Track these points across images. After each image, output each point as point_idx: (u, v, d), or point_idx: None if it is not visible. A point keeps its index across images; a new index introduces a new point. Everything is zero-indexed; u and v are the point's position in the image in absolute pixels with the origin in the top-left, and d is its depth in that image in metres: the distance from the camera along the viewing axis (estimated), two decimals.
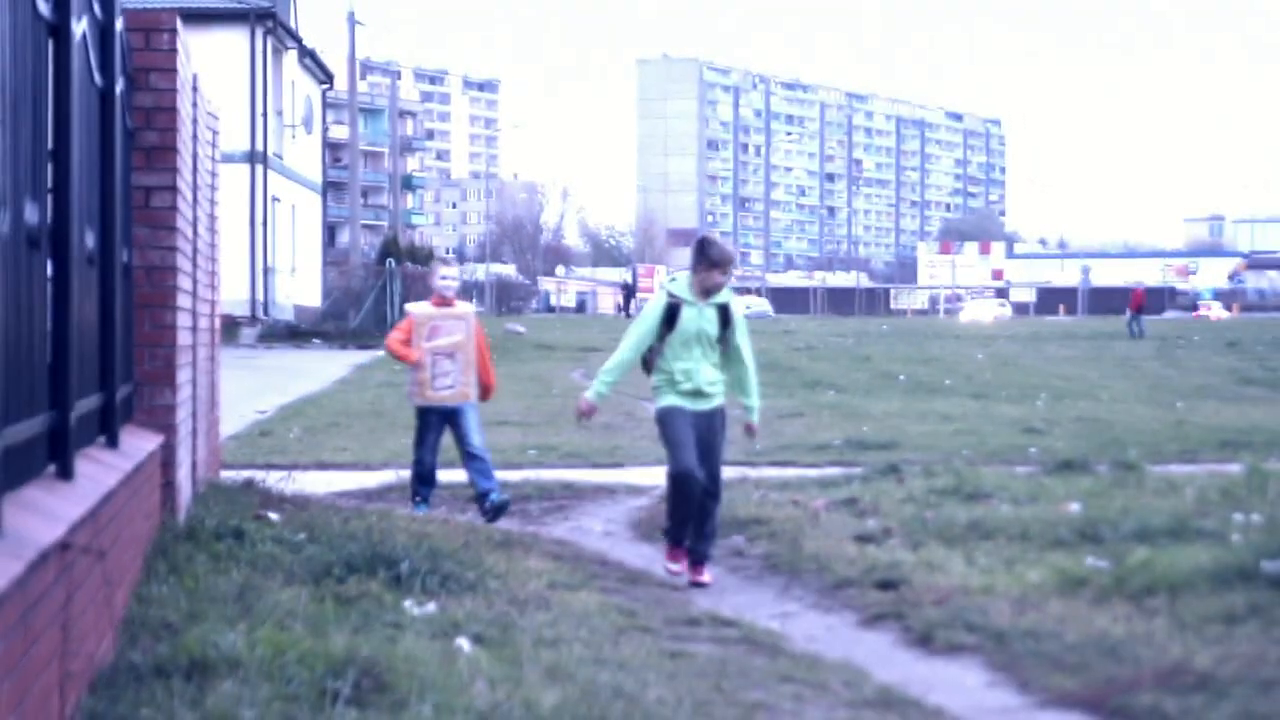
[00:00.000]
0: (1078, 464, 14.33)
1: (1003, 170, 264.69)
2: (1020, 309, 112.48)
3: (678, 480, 10.15)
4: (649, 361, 10.33)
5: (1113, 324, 73.46)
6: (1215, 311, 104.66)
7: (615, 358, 10.35)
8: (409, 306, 13.49)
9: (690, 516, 10.24)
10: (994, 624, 8.29)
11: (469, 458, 12.72)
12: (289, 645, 5.96)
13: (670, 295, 10.29)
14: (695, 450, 10.14)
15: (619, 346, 10.34)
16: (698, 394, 10.23)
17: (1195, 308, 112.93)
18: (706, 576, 10.20)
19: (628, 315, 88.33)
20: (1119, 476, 13.43)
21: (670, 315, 10.20)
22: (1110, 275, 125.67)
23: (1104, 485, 12.87)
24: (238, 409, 21.95)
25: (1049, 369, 35.97)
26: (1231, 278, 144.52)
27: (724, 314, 10.27)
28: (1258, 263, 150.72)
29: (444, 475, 13.22)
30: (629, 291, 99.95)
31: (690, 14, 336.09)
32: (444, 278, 13.22)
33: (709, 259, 10.20)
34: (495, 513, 12.47)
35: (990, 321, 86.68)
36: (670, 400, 10.30)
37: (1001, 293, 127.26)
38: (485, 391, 13.05)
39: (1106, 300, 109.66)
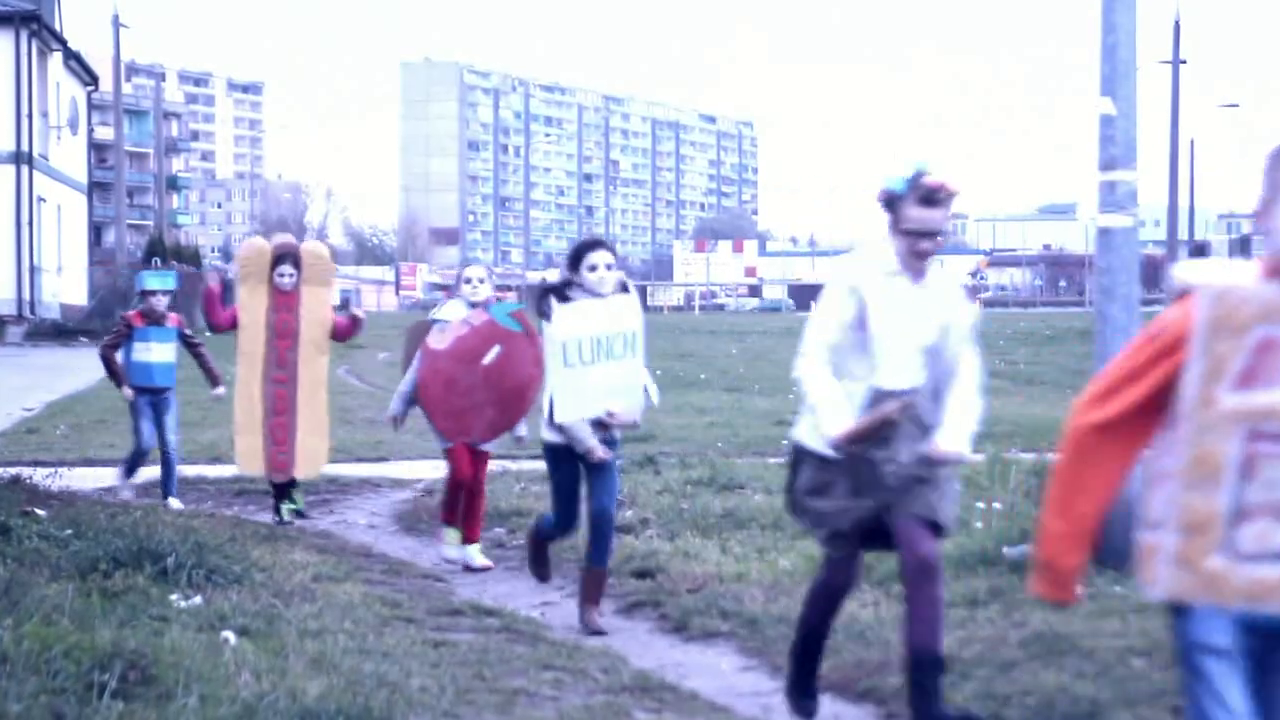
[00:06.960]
0: None
1: (755, 171, 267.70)
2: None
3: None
4: None
5: None
6: None
7: None
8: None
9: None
10: (747, 610, 8.54)
11: None
12: (55, 639, 5.95)
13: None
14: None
15: None
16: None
17: None
18: None
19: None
20: None
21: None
22: None
23: None
24: (4, 407, 21.59)
25: None
26: (974, 274, 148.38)
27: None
28: (999, 260, 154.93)
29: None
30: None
31: (452, 18, 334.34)
32: None
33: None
34: None
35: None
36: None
37: (754, 290, 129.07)
38: None
39: None
